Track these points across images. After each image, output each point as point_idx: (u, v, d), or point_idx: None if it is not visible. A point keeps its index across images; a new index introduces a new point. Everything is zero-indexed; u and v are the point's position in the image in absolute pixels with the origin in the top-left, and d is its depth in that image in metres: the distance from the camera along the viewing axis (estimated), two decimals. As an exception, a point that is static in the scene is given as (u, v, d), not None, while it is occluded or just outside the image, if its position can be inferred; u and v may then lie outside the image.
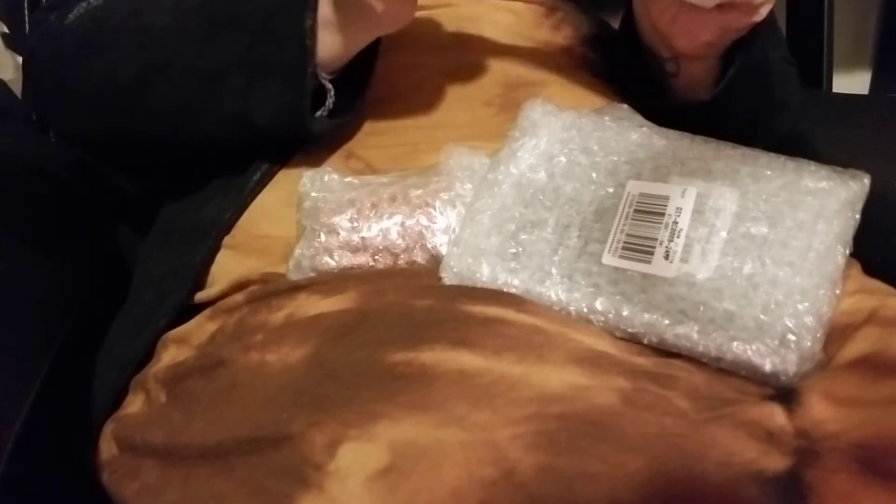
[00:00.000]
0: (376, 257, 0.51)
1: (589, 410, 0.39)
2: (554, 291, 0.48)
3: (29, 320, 0.55)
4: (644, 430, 0.38)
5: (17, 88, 0.70)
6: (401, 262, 0.52)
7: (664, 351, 0.47)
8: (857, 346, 0.46)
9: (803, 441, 0.38)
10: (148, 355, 0.56)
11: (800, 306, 0.46)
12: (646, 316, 0.47)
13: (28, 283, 0.56)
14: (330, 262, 0.51)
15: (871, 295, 0.50)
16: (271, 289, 0.52)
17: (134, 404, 0.54)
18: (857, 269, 0.52)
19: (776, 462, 0.37)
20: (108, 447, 0.53)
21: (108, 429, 0.54)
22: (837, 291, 0.48)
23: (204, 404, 0.48)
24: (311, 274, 0.52)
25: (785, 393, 0.42)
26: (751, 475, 0.36)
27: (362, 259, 0.51)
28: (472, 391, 0.40)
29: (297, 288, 0.51)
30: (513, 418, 0.39)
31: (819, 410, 0.40)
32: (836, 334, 0.47)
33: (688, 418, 0.40)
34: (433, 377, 0.41)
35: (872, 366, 0.43)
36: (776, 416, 0.40)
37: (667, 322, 0.46)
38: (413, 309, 0.46)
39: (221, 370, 0.48)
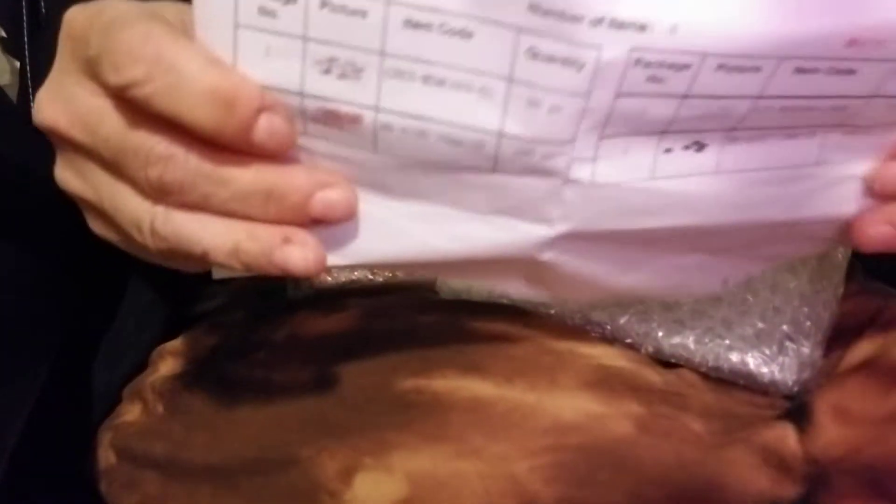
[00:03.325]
0: (375, 271, 0.51)
1: (605, 440, 0.40)
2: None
3: (26, 325, 0.54)
4: (662, 457, 0.39)
5: (13, 94, 0.70)
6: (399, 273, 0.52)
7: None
8: (861, 351, 0.46)
9: (814, 468, 0.39)
10: (140, 367, 0.55)
11: (799, 312, 0.46)
12: (642, 326, 0.46)
13: (24, 287, 0.56)
14: (327, 279, 0.51)
15: (873, 296, 0.49)
16: (271, 304, 0.52)
17: (131, 413, 0.53)
18: (857, 270, 0.52)
19: (789, 490, 0.38)
20: (105, 456, 0.53)
21: (106, 437, 0.53)
22: (838, 294, 0.48)
23: (205, 420, 0.48)
24: (310, 290, 0.52)
25: (796, 409, 0.42)
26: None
27: (360, 274, 0.51)
28: (488, 421, 0.40)
29: (297, 304, 0.51)
30: (530, 449, 0.39)
31: (829, 430, 0.41)
32: (839, 338, 0.47)
33: (704, 443, 0.40)
34: (447, 406, 0.41)
35: (880, 373, 0.43)
36: (789, 439, 0.40)
37: (661, 333, 0.46)
38: (418, 326, 0.46)
39: (223, 386, 0.48)
